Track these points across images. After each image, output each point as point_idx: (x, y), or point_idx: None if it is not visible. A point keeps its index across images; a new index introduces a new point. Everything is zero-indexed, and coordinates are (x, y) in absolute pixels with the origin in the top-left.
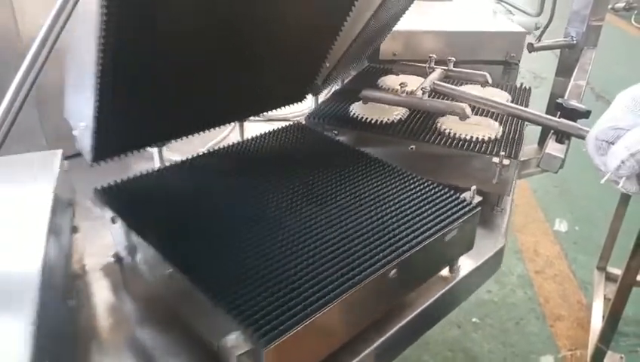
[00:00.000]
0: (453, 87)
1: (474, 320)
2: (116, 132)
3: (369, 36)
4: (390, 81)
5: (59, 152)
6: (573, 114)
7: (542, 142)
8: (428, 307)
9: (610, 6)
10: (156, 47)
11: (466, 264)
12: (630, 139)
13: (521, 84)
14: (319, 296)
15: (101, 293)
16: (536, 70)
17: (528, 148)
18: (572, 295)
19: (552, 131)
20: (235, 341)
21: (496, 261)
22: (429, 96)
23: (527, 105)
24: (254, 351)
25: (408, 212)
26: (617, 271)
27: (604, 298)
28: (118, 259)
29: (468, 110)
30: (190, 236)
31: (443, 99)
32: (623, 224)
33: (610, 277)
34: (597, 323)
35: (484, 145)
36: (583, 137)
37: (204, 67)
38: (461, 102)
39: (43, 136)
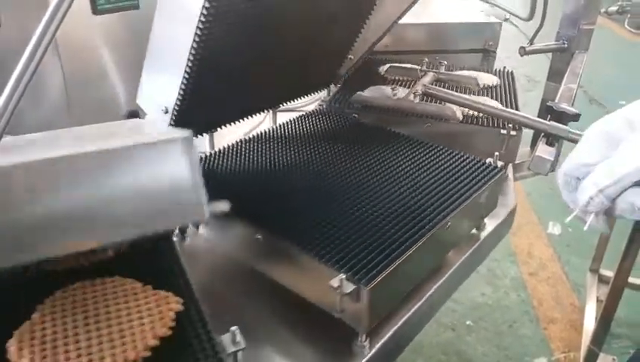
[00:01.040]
0: (444, 90)
1: (468, 323)
2: (191, 118)
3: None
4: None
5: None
6: (563, 117)
7: (534, 145)
8: (464, 262)
9: (603, 10)
10: (238, 41)
11: (489, 223)
12: (598, 174)
13: (504, 67)
14: (399, 244)
15: None
16: (530, 74)
17: (521, 151)
18: (565, 297)
19: (542, 134)
20: (340, 282)
21: (509, 221)
22: (420, 100)
23: (514, 87)
24: (357, 290)
25: (448, 176)
26: (610, 274)
27: (597, 300)
28: (182, 236)
29: (458, 113)
30: (271, 204)
31: (434, 102)
32: (615, 226)
33: (602, 279)
34: (590, 325)
35: (491, 120)
36: (572, 140)
37: (267, 59)
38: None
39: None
